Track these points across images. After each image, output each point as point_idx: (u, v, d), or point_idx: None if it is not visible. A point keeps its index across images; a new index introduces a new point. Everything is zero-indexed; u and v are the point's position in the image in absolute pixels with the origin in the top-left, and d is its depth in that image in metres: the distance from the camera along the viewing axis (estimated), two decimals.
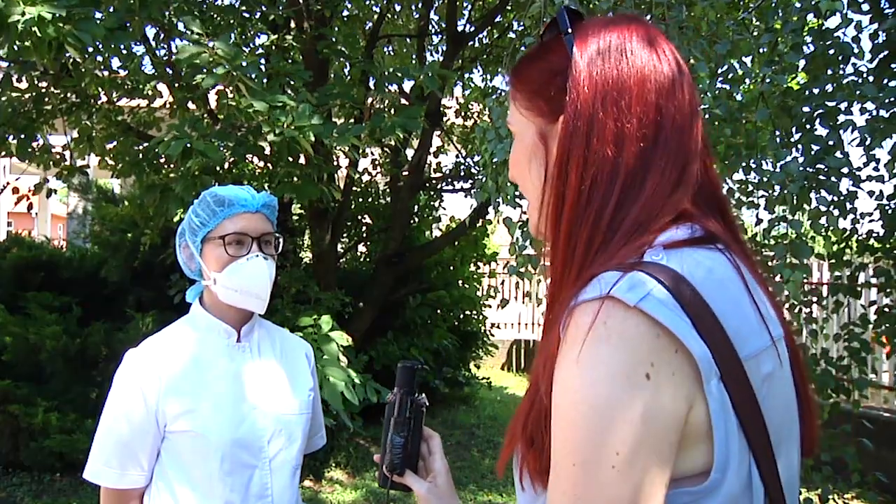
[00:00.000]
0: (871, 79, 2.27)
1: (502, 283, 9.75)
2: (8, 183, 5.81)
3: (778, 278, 1.97)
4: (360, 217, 6.87)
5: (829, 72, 2.22)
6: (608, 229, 0.71)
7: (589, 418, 0.62)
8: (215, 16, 4.48)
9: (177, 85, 4.23)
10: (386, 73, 4.12)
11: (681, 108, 0.74)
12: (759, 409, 0.66)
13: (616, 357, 0.62)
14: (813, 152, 2.09)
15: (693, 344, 0.63)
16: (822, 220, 2.06)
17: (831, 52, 2.22)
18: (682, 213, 0.73)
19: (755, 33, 2.42)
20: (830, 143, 2.09)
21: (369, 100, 4.12)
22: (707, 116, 2.22)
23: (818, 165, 2.06)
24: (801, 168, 1.99)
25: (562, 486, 0.64)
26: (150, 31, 4.42)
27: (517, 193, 2.42)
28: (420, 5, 6.07)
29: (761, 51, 2.39)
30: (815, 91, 2.18)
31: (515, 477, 0.75)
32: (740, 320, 0.68)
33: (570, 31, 0.77)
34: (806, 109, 2.19)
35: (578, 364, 0.63)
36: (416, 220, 6.84)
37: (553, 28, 0.80)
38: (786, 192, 1.96)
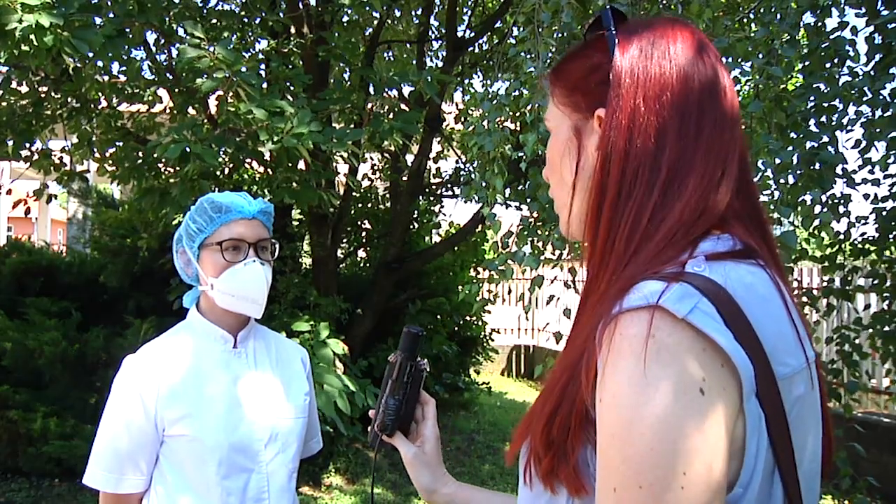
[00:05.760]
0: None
1: (503, 289, 9.75)
2: (10, 191, 5.81)
3: None
4: (359, 222, 6.87)
5: (825, 74, 2.22)
6: (649, 226, 0.69)
7: (651, 439, 0.59)
8: (215, 21, 4.49)
9: (177, 90, 4.23)
10: (385, 78, 4.12)
11: (722, 110, 0.73)
12: (788, 430, 0.65)
13: (669, 372, 0.60)
14: (807, 149, 2.09)
15: (739, 359, 0.61)
16: (815, 220, 2.06)
17: (827, 51, 2.22)
18: (722, 224, 0.71)
19: (752, 36, 2.42)
20: (825, 138, 2.09)
21: (369, 105, 4.12)
22: None
23: (815, 166, 2.06)
24: (795, 162, 2.00)
25: None
26: (151, 37, 4.43)
27: (506, 190, 2.40)
28: (420, 11, 6.09)
29: (759, 56, 2.39)
30: (812, 86, 2.18)
31: (520, 472, 0.74)
32: (778, 339, 0.66)
33: (613, 28, 0.76)
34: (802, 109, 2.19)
35: (631, 380, 0.61)
36: (416, 225, 6.84)
37: (596, 27, 0.79)
38: (777, 191, 1.96)
